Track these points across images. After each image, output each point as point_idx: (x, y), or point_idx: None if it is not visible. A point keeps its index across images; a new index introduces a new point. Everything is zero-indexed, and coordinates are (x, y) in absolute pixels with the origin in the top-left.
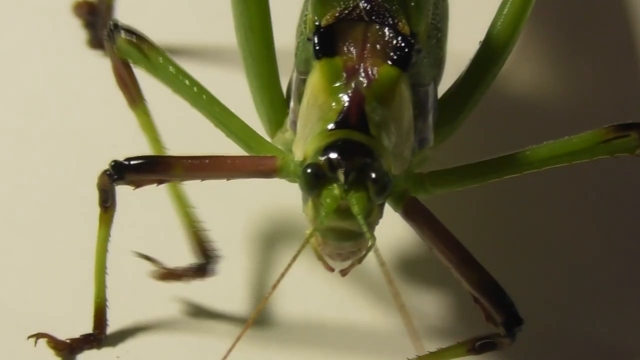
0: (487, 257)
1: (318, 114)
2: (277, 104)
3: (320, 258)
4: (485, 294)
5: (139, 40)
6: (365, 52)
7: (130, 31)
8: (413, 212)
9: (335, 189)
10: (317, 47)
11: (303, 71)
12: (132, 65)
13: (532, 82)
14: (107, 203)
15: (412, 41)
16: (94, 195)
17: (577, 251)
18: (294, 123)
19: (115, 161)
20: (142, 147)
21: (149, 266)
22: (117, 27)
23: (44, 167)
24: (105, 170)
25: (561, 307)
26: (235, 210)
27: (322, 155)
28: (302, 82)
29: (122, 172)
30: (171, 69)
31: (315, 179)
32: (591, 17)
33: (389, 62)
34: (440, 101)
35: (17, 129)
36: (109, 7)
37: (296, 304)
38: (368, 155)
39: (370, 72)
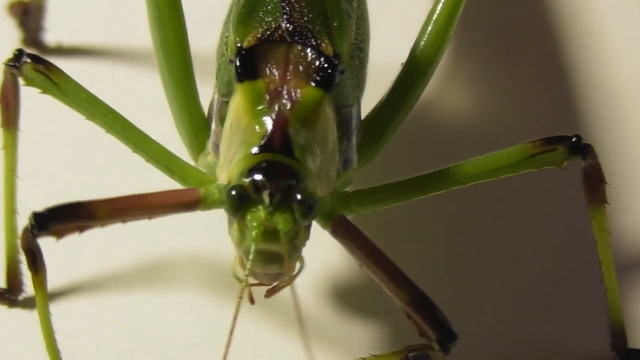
0: (422, 272)
1: (241, 137)
2: (197, 126)
3: (241, 282)
4: (418, 311)
5: (46, 69)
6: (288, 73)
7: (37, 59)
8: (341, 230)
9: (261, 211)
10: (239, 70)
11: (225, 93)
12: (19, 90)
13: (456, 100)
14: (36, 264)
15: (335, 62)
16: None
17: (513, 259)
18: (216, 145)
19: (35, 213)
20: None
21: None
22: (22, 54)
23: None
24: (26, 227)
25: (498, 315)
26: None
27: (247, 177)
28: (224, 104)
29: (44, 222)
30: (83, 95)
31: (240, 201)
32: (513, 30)
33: (312, 84)
34: (364, 122)
35: None
36: (39, 8)
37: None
38: (293, 177)
39: (293, 94)
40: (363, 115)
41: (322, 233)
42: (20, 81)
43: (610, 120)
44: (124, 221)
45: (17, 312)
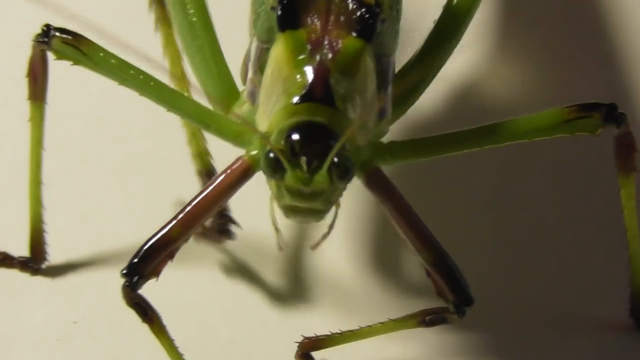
0: (446, 234)
1: (282, 87)
2: (224, 77)
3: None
4: (439, 271)
5: (75, 40)
6: (330, 23)
7: (65, 31)
8: (375, 182)
9: (298, 174)
10: (281, 20)
11: (266, 40)
12: (48, 65)
13: (494, 60)
14: (147, 315)
15: (377, 11)
16: None
17: (536, 226)
18: (252, 94)
19: (125, 269)
20: None
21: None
22: (49, 29)
23: None
24: (123, 285)
25: (517, 281)
26: None
27: (285, 140)
28: (265, 52)
29: (136, 273)
30: (113, 61)
31: (277, 164)
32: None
33: (354, 34)
34: (397, 75)
35: None
36: None
37: None
38: (331, 139)
39: (334, 44)
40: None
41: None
42: (50, 55)
43: None
44: (201, 225)
45: (41, 281)
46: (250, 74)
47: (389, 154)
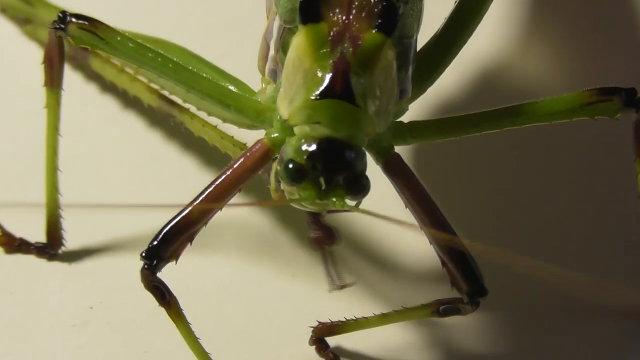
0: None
1: (303, 78)
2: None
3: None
4: (454, 261)
5: (92, 26)
6: (351, 17)
7: (81, 17)
8: (393, 168)
9: (315, 189)
10: (303, 13)
11: (288, 20)
12: (64, 51)
13: (516, 42)
14: (165, 298)
15: (398, 4)
16: None
17: (557, 218)
18: (274, 72)
19: (144, 251)
20: None
21: None
22: (66, 15)
23: None
24: (143, 267)
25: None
26: None
27: (306, 156)
28: (288, 31)
29: (156, 255)
30: (131, 45)
31: (296, 175)
32: None
33: (375, 29)
34: (418, 54)
35: None
36: None
37: None
38: (351, 159)
39: (355, 39)
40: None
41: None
42: (66, 42)
43: None
44: (220, 208)
45: (57, 266)
46: (272, 52)
47: (409, 134)
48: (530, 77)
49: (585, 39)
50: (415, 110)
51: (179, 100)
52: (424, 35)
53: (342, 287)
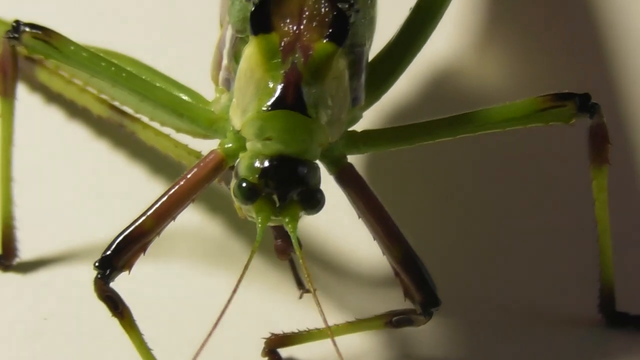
0: (416, 232)
1: (255, 89)
2: (192, 96)
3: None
4: (407, 270)
5: (45, 35)
6: (302, 27)
7: (35, 26)
8: (347, 178)
9: (269, 206)
10: (254, 24)
11: (241, 30)
12: (17, 60)
13: (465, 49)
14: (118, 308)
15: (349, 13)
16: None
17: (512, 226)
18: (227, 81)
19: (97, 261)
20: None
21: None
22: (19, 24)
23: None
24: (95, 277)
25: (485, 277)
26: None
27: (258, 174)
28: (240, 40)
29: (109, 265)
30: (85, 54)
31: (250, 194)
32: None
33: (326, 39)
34: (371, 63)
35: None
36: None
37: None
38: (304, 175)
39: (306, 49)
40: (371, 56)
41: None
42: (19, 51)
43: (620, 83)
44: (173, 218)
45: (12, 277)
46: (225, 61)
47: (362, 143)
48: (485, 84)
49: (540, 46)
50: (370, 119)
51: (130, 111)
52: (378, 42)
53: (308, 291)
